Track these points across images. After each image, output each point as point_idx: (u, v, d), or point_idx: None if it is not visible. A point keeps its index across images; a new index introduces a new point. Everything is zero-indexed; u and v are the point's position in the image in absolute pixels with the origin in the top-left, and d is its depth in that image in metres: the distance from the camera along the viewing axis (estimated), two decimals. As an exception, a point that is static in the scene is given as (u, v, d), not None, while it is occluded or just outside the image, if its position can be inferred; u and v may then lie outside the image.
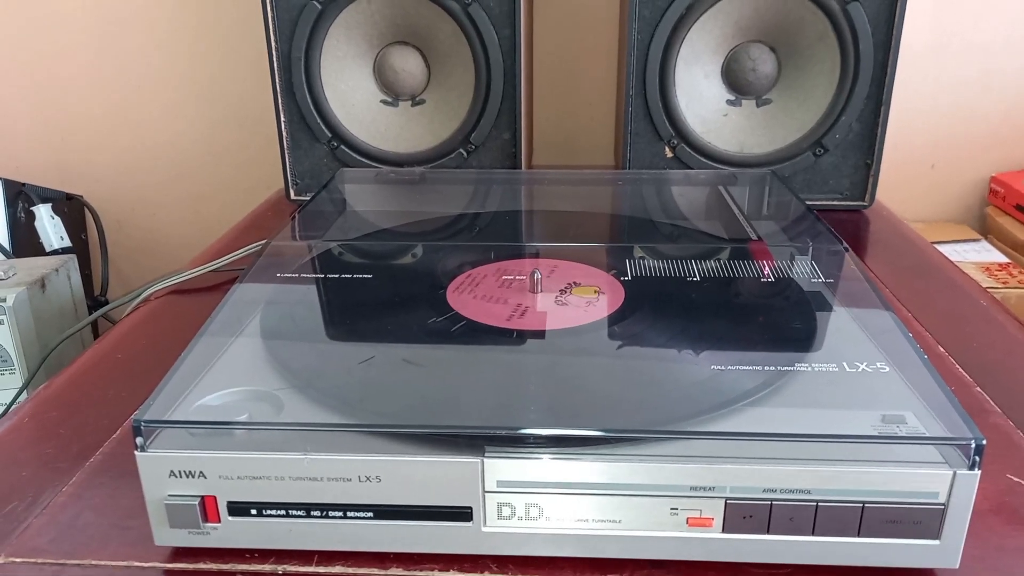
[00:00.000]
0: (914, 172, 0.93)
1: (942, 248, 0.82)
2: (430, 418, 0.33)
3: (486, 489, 0.32)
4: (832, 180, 0.74)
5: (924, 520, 0.31)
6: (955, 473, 0.30)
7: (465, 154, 0.75)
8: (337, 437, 0.32)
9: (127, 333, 0.54)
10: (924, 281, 0.61)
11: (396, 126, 0.77)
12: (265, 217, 0.77)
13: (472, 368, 0.37)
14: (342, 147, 0.76)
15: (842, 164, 0.73)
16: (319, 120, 0.75)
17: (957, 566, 0.31)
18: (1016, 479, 0.38)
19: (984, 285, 0.72)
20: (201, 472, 0.32)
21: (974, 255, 0.83)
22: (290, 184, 0.77)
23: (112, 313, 0.70)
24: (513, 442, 0.32)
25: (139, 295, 0.60)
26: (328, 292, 0.45)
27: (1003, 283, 0.76)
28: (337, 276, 0.47)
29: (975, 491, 0.30)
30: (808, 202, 0.74)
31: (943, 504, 0.31)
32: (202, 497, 0.32)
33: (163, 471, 0.32)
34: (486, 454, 0.31)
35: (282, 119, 0.75)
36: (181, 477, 0.32)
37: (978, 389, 0.45)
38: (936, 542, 0.31)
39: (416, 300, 0.44)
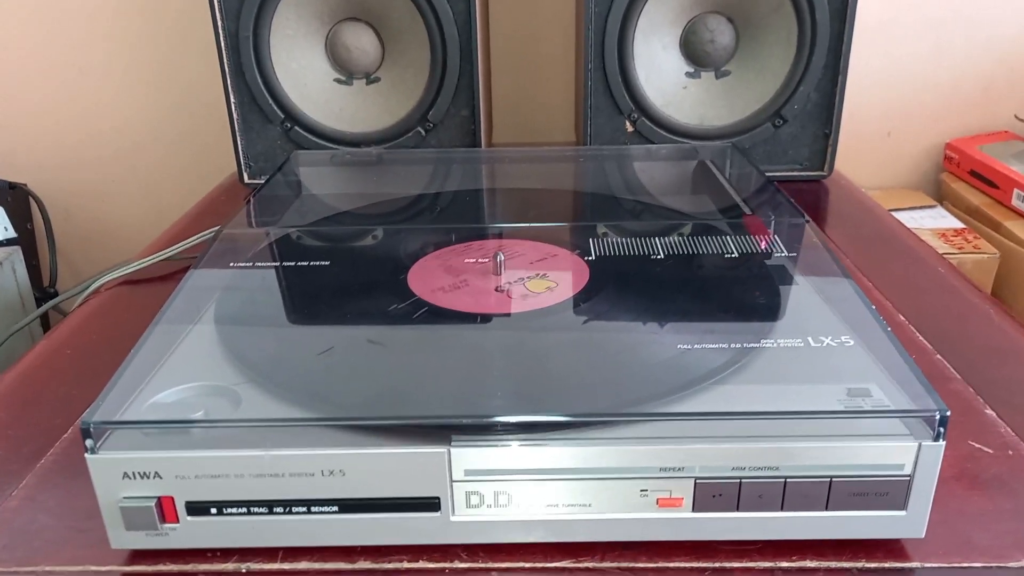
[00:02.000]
0: (870, 141, 0.94)
1: (899, 215, 0.83)
2: (394, 409, 0.32)
3: (453, 478, 0.31)
4: (791, 151, 0.74)
5: (890, 492, 0.31)
6: (920, 445, 0.30)
7: (423, 133, 0.74)
8: (298, 432, 0.31)
9: (77, 327, 0.53)
10: (883, 250, 0.61)
11: (351, 105, 0.75)
12: (219, 202, 0.75)
13: (435, 355, 0.36)
14: (296, 128, 0.74)
15: (801, 134, 0.73)
16: (271, 101, 0.73)
17: (923, 535, 0.32)
18: (977, 445, 0.38)
19: (940, 251, 0.73)
20: (156, 473, 0.31)
21: (930, 221, 0.84)
22: (243, 167, 0.75)
23: (63, 305, 0.67)
24: (480, 430, 0.31)
25: (89, 287, 0.58)
26: (284, 280, 0.44)
27: (959, 248, 0.78)
28: (293, 263, 0.46)
29: (940, 462, 0.31)
30: (768, 173, 0.74)
31: (909, 476, 0.31)
32: (158, 498, 0.31)
33: (116, 473, 0.31)
34: (452, 443, 0.31)
35: (232, 100, 0.73)
36: (135, 478, 0.31)
37: (938, 356, 0.46)
38: (902, 513, 0.31)
39: (376, 286, 0.43)
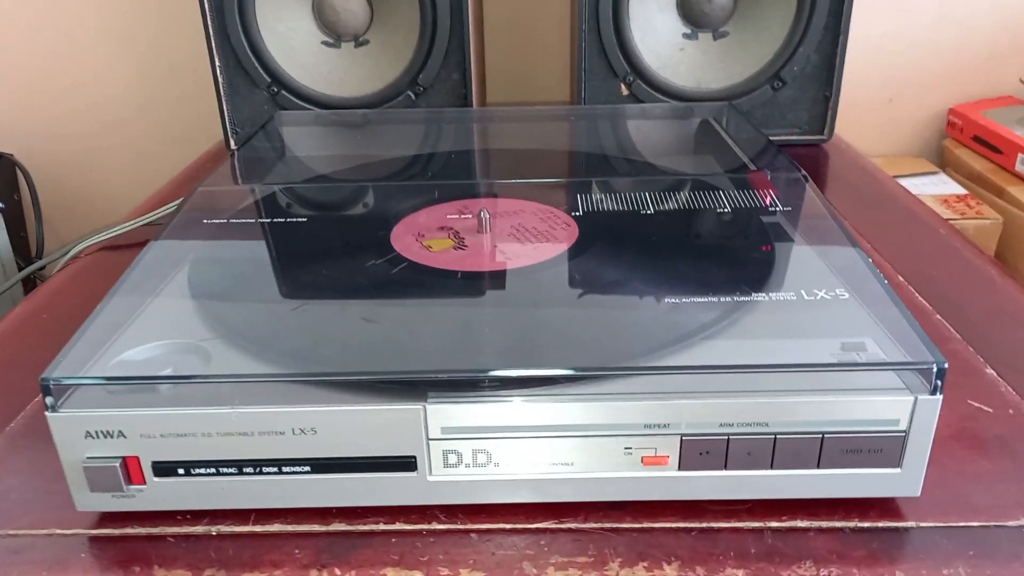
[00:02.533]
0: (872, 106, 0.92)
1: (902, 181, 0.81)
2: (367, 364, 0.31)
3: (430, 437, 0.30)
4: (791, 114, 0.72)
5: (885, 448, 0.30)
6: (916, 399, 0.29)
7: (413, 96, 0.72)
8: (268, 388, 0.30)
9: (55, 291, 0.51)
10: (883, 212, 0.60)
11: (340, 69, 0.73)
12: (204, 169, 0.73)
13: (411, 311, 0.35)
14: (283, 92, 0.72)
15: (800, 97, 0.71)
16: (257, 64, 0.71)
17: (919, 494, 0.31)
18: (977, 404, 0.37)
19: (944, 217, 0.72)
20: (120, 432, 0.30)
21: (932, 188, 0.82)
22: (230, 133, 0.74)
23: (46, 272, 0.66)
24: (456, 386, 0.30)
25: (69, 251, 0.57)
26: (260, 237, 0.43)
27: (961, 214, 0.76)
28: (270, 221, 0.44)
29: (936, 417, 0.29)
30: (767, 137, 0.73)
31: (904, 432, 0.29)
32: (123, 458, 0.30)
33: (78, 432, 0.30)
34: (428, 400, 0.29)
35: (217, 64, 0.71)
36: (99, 438, 0.30)
37: (938, 317, 0.45)
38: (897, 470, 0.30)
39: (357, 244, 0.42)
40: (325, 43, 0.73)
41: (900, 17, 0.88)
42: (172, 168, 0.86)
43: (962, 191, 0.81)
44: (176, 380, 0.30)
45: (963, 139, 0.87)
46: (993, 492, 0.32)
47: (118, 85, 0.94)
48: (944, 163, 0.90)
